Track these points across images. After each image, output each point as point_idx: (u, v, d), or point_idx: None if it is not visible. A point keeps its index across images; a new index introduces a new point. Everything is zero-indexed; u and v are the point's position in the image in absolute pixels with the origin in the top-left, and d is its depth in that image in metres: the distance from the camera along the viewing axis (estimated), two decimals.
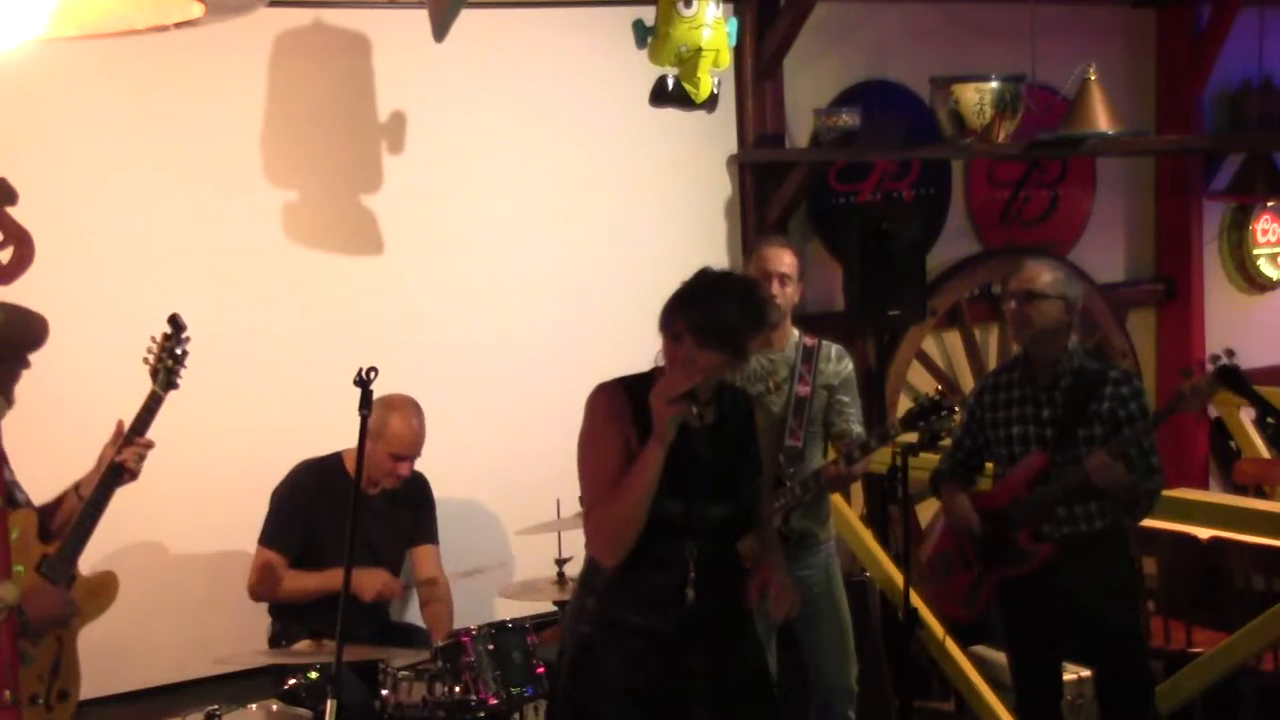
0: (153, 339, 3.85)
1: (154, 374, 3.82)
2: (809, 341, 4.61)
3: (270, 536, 4.65)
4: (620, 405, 3.31)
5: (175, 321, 3.86)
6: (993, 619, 4.70)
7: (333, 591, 4.27)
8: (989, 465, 4.53)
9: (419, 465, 4.80)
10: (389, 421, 4.59)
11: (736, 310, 3.25)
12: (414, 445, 4.67)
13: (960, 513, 4.37)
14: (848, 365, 4.64)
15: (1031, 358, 4.31)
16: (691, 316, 3.23)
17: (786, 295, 4.51)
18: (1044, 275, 4.26)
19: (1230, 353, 4.17)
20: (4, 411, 3.53)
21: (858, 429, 4.59)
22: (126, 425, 3.78)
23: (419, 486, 4.83)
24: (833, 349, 4.63)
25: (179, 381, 3.84)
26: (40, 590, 3.55)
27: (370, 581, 4.56)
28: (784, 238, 4.95)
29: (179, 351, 3.84)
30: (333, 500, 4.56)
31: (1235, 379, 4.14)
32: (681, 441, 3.23)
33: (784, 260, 4.53)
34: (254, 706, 4.05)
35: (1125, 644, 4.30)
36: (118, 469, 3.72)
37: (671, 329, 3.26)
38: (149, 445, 3.77)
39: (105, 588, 3.82)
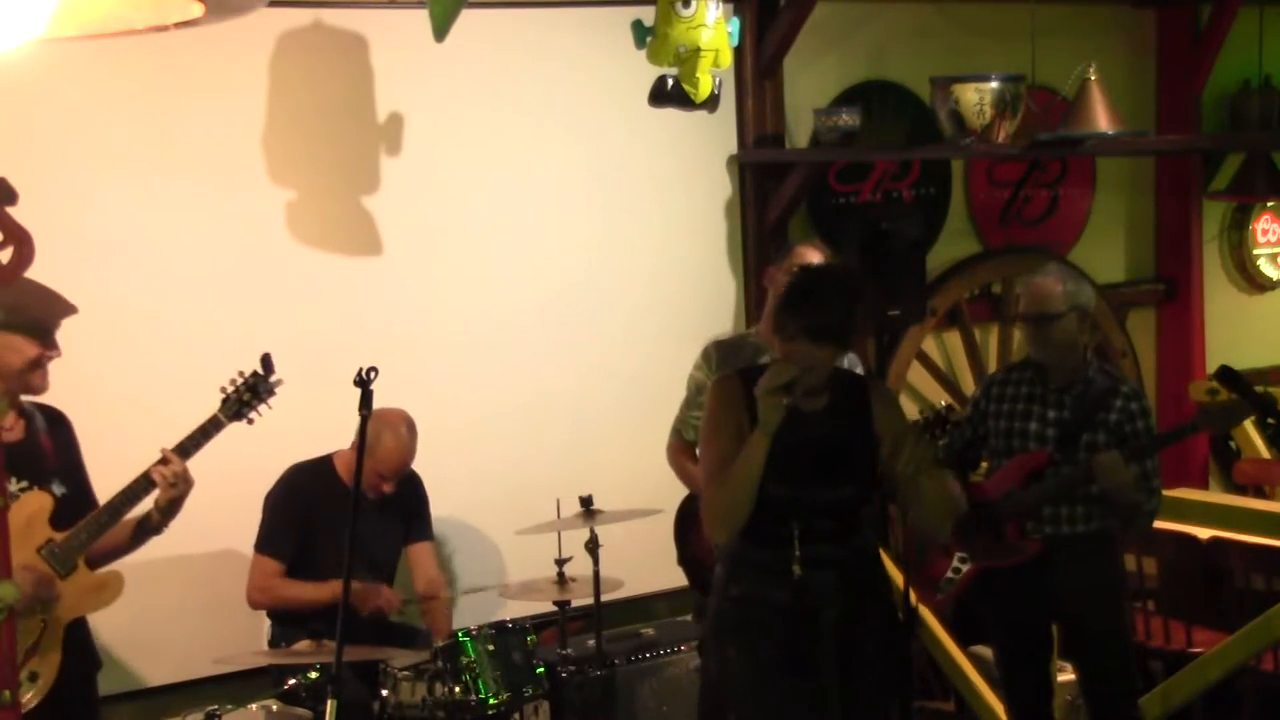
0: (240, 373, 3.89)
1: (225, 400, 3.85)
2: None
3: (266, 543, 4.65)
4: (734, 394, 3.58)
5: (266, 362, 3.90)
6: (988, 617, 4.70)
7: (331, 602, 4.32)
8: (984, 464, 4.53)
9: (418, 464, 4.81)
10: (381, 440, 4.59)
11: (841, 304, 3.50)
12: (402, 467, 4.68)
13: None
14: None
15: (1033, 357, 4.31)
16: (801, 319, 3.46)
17: None
18: (1055, 291, 4.22)
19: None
20: (5, 410, 3.56)
21: None
22: (179, 442, 3.79)
23: (411, 484, 4.83)
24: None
25: (253, 417, 3.88)
26: (27, 571, 3.56)
27: (370, 598, 4.56)
28: (816, 241, 4.93)
29: (262, 391, 3.88)
30: (326, 503, 4.56)
31: (1235, 380, 4.14)
32: (791, 428, 3.46)
33: (816, 260, 4.56)
34: (254, 706, 4.05)
35: (1110, 646, 4.30)
36: (147, 481, 3.75)
37: (785, 333, 3.49)
38: (183, 472, 3.76)
39: (107, 585, 3.83)
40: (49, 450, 3.79)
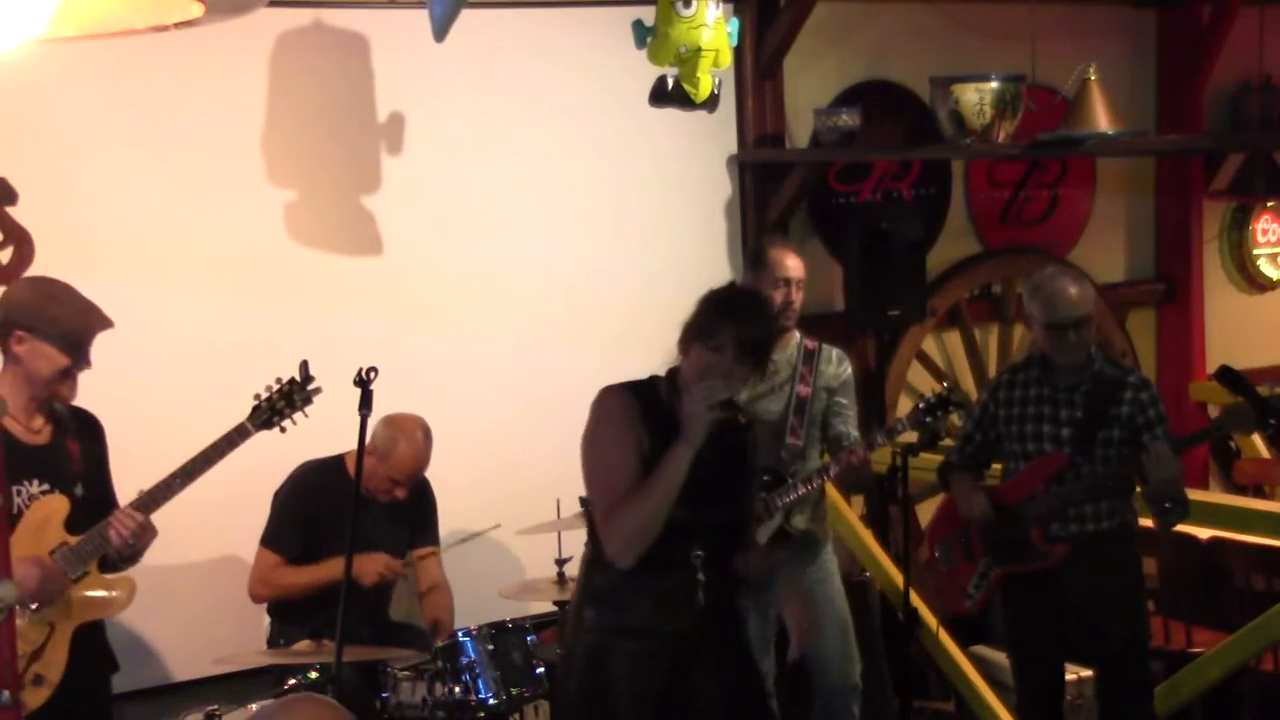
0: (278, 379, 3.85)
1: (255, 408, 3.83)
2: (810, 344, 4.70)
3: (271, 538, 4.65)
4: (631, 408, 3.37)
5: (304, 370, 3.86)
6: (993, 618, 4.70)
7: (332, 581, 4.30)
8: (996, 466, 4.53)
9: None
10: (397, 446, 4.59)
11: (771, 327, 3.47)
12: (416, 474, 4.68)
13: (974, 502, 4.35)
14: (847, 369, 4.73)
15: (1056, 363, 4.29)
16: (739, 331, 3.32)
17: (799, 300, 4.64)
18: (1085, 295, 4.24)
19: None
20: (5, 412, 3.57)
21: (854, 432, 4.66)
22: (203, 448, 3.79)
23: (420, 488, 4.82)
24: (833, 352, 4.73)
25: (284, 426, 3.84)
26: (34, 564, 3.57)
27: (371, 566, 4.55)
28: (789, 240, 5.00)
29: (297, 399, 3.84)
30: (334, 502, 4.55)
31: (1235, 380, 4.14)
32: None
33: (795, 265, 4.65)
34: (254, 706, 4.05)
35: (1129, 645, 4.30)
36: (168, 487, 3.76)
37: (714, 341, 3.32)
38: (135, 528, 3.72)
39: (119, 590, 3.83)
40: (75, 454, 3.80)
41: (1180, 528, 5.09)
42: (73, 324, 3.68)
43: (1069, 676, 4.78)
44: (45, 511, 3.67)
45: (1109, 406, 4.19)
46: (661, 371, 3.53)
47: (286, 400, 3.85)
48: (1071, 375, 4.25)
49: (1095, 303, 4.34)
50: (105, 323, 3.75)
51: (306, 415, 3.90)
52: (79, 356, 3.70)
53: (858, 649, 4.76)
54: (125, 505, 3.76)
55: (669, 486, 3.27)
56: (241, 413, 3.90)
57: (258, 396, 3.86)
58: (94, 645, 3.86)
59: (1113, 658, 4.33)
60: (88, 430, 3.88)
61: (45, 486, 3.69)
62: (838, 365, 4.70)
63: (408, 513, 4.80)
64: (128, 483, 3.87)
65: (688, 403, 3.29)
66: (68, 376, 3.70)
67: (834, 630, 4.66)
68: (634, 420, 3.35)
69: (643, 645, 3.38)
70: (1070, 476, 4.22)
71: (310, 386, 3.87)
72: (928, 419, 4.41)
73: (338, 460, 4.70)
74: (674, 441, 3.31)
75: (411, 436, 4.62)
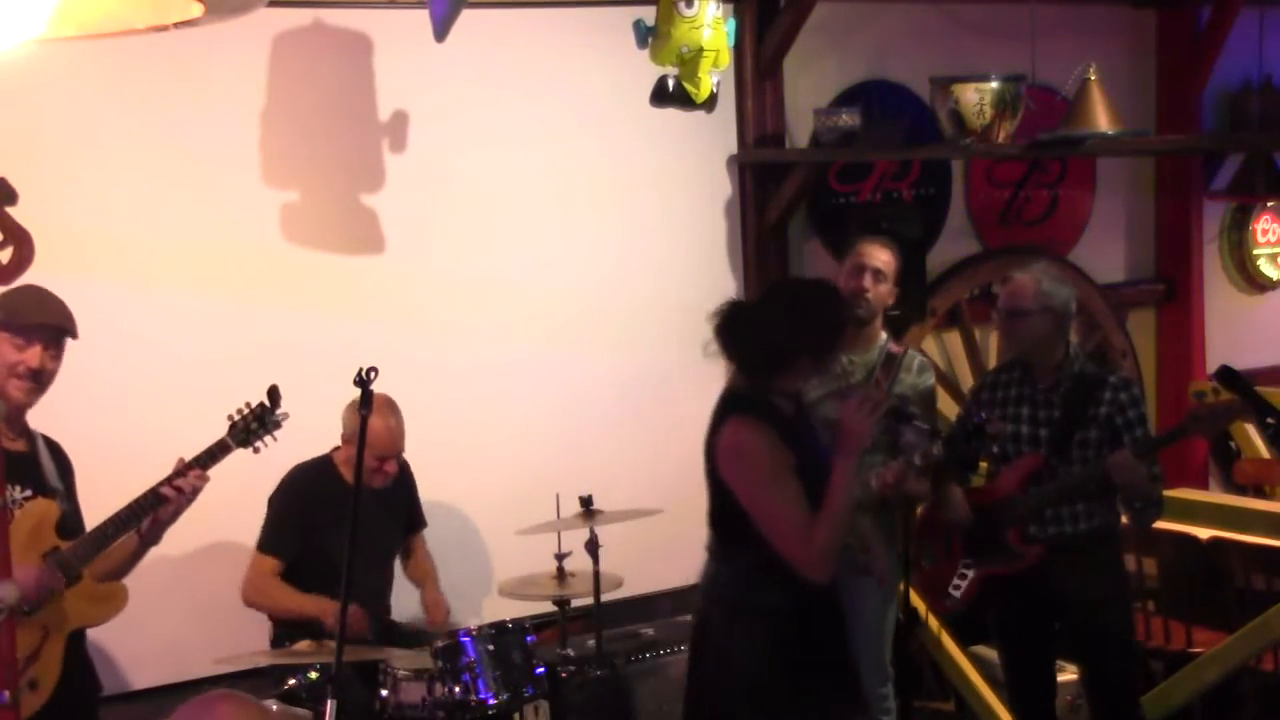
0: (246, 404, 3.90)
1: (232, 426, 3.87)
2: (894, 348, 4.55)
3: (267, 543, 4.65)
4: (773, 436, 3.56)
5: (272, 395, 3.90)
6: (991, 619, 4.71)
7: (312, 618, 4.42)
8: (983, 465, 4.53)
9: (418, 463, 4.81)
10: (370, 425, 4.57)
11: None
12: (394, 445, 4.66)
13: (951, 504, 4.36)
14: (928, 380, 4.56)
15: (1030, 364, 4.31)
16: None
17: (879, 293, 4.49)
18: (1027, 289, 4.24)
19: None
20: (3, 412, 3.56)
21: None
22: (195, 456, 3.82)
23: (404, 473, 4.83)
24: (915, 360, 4.56)
25: (259, 446, 3.91)
26: (30, 566, 3.56)
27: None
28: (885, 238, 4.79)
29: (268, 422, 3.90)
30: (328, 501, 4.55)
31: (1235, 380, 4.15)
32: (815, 450, 3.62)
33: (881, 256, 4.51)
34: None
35: (1113, 644, 4.31)
36: (156, 495, 3.76)
37: (830, 357, 3.72)
38: (202, 479, 3.81)
39: (114, 596, 3.83)
40: (49, 471, 3.80)
41: (1180, 528, 5.12)
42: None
43: (1068, 677, 4.79)
44: (37, 516, 3.66)
45: (1088, 407, 4.19)
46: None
47: (259, 422, 3.89)
48: (1051, 375, 4.25)
49: (1063, 309, 4.26)
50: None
51: (275, 439, 3.94)
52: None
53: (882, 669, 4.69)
54: (187, 461, 3.80)
55: (849, 502, 3.53)
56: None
57: (231, 417, 3.89)
58: (82, 660, 3.87)
59: (1097, 657, 4.34)
60: (58, 455, 3.88)
61: (28, 493, 3.68)
62: (918, 375, 4.51)
63: (400, 498, 4.81)
64: (126, 479, 3.86)
65: (847, 415, 3.54)
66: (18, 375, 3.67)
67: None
68: (782, 447, 3.54)
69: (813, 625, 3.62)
70: (1047, 477, 4.22)
71: (279, 412, 3.91)
72: (963, 447, 4.24)
73: (325, 459, 4.71)
74: (809, 444, 3.61)
75: (380, 411, 4.59)
